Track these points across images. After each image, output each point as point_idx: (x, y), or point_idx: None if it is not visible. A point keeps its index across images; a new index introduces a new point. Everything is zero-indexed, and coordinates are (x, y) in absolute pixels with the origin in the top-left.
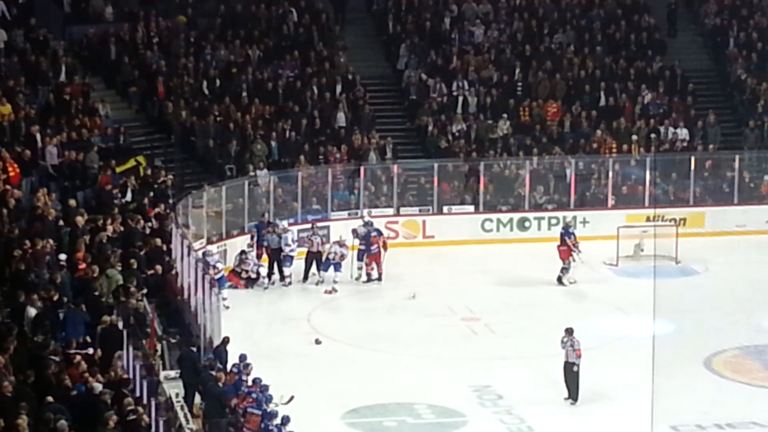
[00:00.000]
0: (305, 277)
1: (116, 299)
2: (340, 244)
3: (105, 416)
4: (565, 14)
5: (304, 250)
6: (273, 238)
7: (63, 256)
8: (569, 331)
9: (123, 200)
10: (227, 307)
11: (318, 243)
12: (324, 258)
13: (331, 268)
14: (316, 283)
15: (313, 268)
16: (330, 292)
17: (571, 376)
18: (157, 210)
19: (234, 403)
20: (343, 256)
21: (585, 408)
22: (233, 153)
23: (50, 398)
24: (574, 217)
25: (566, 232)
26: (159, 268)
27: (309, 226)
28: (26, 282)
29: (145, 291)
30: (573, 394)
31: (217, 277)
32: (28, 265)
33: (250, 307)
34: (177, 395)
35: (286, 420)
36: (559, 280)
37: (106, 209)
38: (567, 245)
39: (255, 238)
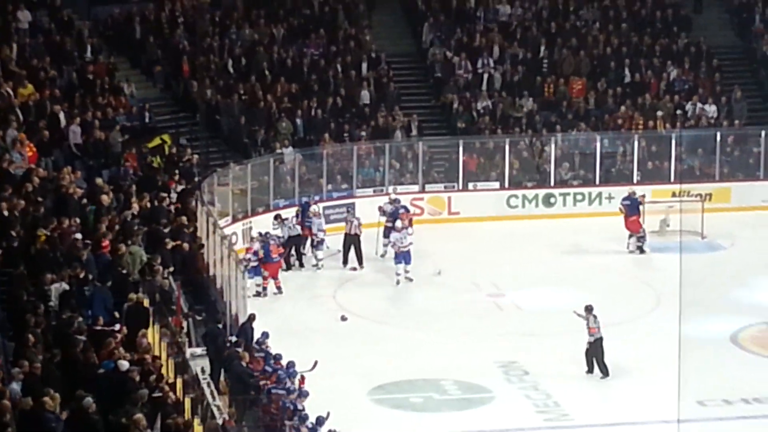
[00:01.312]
0: (345, 261)
1: (142, 277)
2: (402, 228)
3: (135, 395)
4: None
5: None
6: (318, 222)
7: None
8: (588, 309)
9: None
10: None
11: (356, 226)
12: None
13: (403, 261)
14: (354, 269)
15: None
16: (355, 269)
17: (588, 351)
18: (181, 187)
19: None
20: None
21: (611, 383)
22: (259, 132)
23: (77, 377)
24: (600, 194)
25: (635, 202)
26: (185, 245)
27: (340, 205)
28: (51, 260)
29: (171, 269)
30: (590, 367)
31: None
32: (53, 243)
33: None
34: (203, 372)
35: (305, 394)
36: (641, 249)
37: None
38: (638, 215)
39: (300, 216)
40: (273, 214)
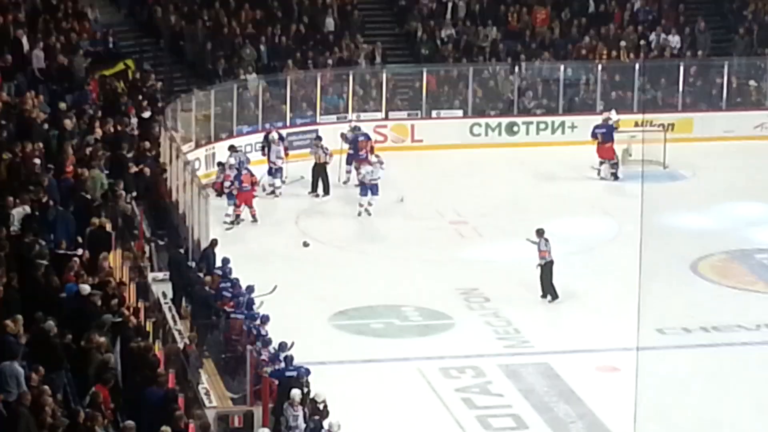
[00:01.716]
0: (314, 189)
1: (105, 201)
2: (375, 162)
3: (98, 319)
4: None
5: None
6: (276, 149)
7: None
8: (539, 232)
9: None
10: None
11: (323, 155)
12: (358, 182)
13: (369, 192)
14: (317, 196)
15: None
16: (318, 196)
17: (541, 275)
18: (145, 113)
19: (219, 306)
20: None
21: (572, 311)
22: (222, 58)
23: (41, 300)
24: (563, 123)
25: (610, 129)
26: (147, 170)
27: (303, 132)
28: (14, 185)
29: (134, 193)
30: (544, 292)
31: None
32: (16, 168)
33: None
34: (165, 296)
35: (265, 319)
36: (615, 175)
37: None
38: (612, 141)
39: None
40: (235, 140)
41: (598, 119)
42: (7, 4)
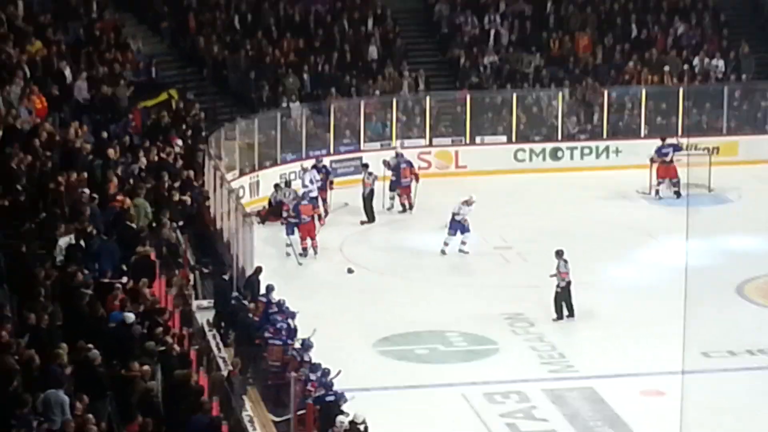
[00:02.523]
0: (370, 217)
1: (149, 230)
2: (468, 202)
3: (141, 347)
4: None
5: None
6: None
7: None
8: (559, 253)
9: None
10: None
11: (372, 182)
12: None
13: (458, 232)
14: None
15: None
16: (364, 223)
17: (557, 297)
18: (188, 142)
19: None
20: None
21: (616, 335)
22: (265, 87)
23: (86, 330)
24: (607, 147)
25: (677, 147)
26: (192, 199)
27: (351, 161)
28: (60, 214)
29: (180, 223)
30: (559, 314)
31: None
32: (61, 197)
33: (283, 237)
34: (209, 324)
35: (308, 345)
36: (678, 194)
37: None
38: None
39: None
40: (280, 168)
41: (643, 143)
42: (50, 37)
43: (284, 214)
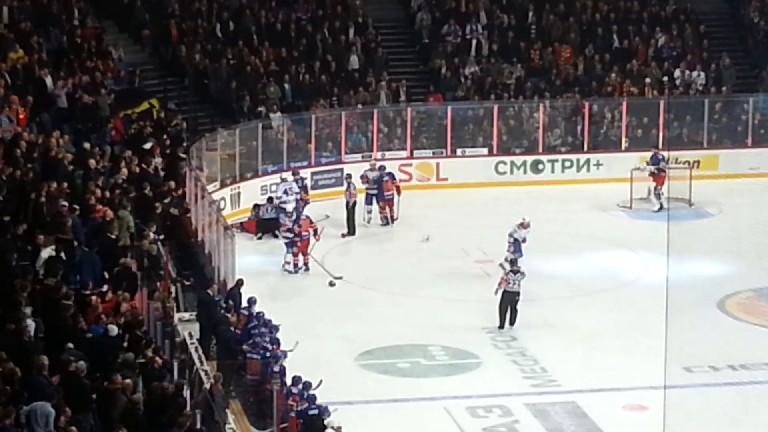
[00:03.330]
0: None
1: (131, 242)
2: (524, 225)
3: (123, 360)
4: None
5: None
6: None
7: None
8: (511, 262)
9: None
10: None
11: (353, 194)
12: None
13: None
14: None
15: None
16: (345, 236)
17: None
18: (169, 152)
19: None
20: None
21: (599, 349)
22: (246, 97)
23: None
24: (588, 160)
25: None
26: (173, 210)
27: (332, 173)
28: (41, 225)
29: (161, 236)
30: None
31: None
32: (42, 208)
33: (264, 249)
34: (191, 337)
35: (276, 356)
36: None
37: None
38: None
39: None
40: (261, 179)
41: (623, 156)
42: (31, 44)
43: (283, 230)
